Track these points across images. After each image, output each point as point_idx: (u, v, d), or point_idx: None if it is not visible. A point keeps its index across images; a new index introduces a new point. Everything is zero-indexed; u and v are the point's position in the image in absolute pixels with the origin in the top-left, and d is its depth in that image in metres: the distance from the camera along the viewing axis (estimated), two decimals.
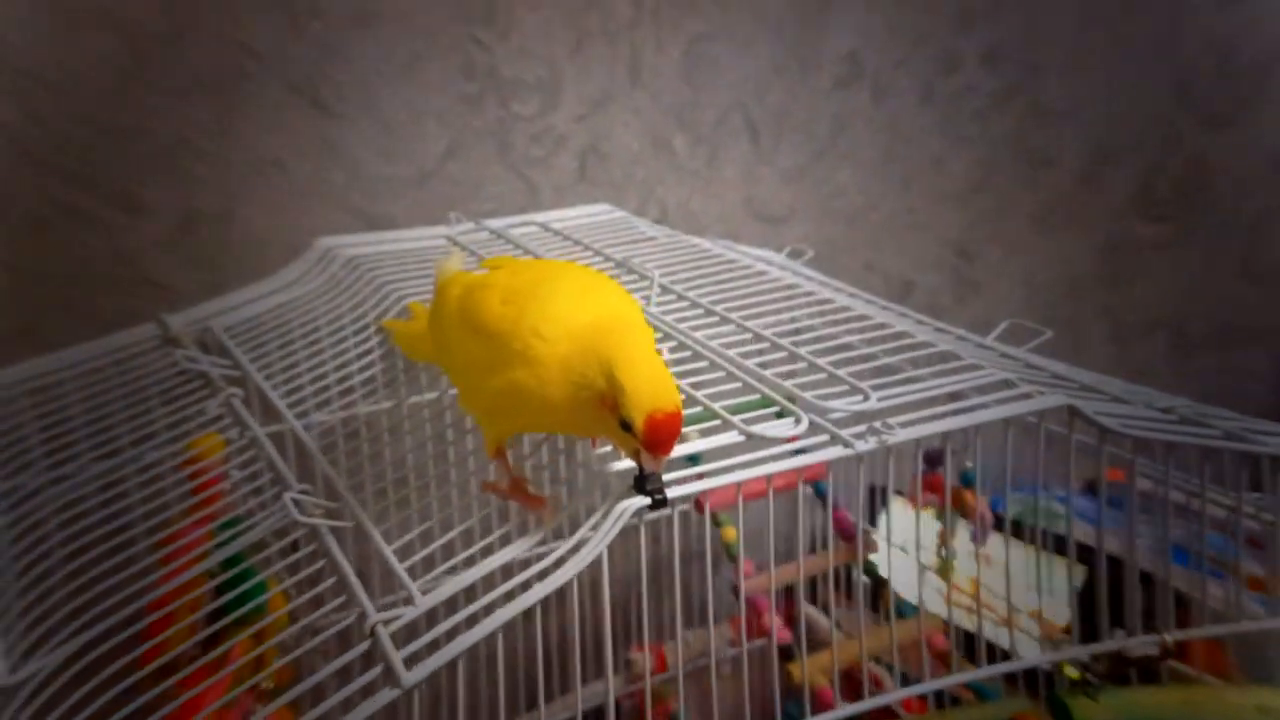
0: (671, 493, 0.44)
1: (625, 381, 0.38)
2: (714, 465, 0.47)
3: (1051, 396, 0.52)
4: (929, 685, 0.55)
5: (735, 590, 0.74)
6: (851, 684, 0.57)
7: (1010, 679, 0.64)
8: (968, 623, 0.61)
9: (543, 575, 0.42)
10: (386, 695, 0.39)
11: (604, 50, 0.94)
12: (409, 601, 0.42)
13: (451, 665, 0.40)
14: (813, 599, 0.78)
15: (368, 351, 0.64)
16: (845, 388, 0.51)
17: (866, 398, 0.50)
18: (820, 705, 0.54)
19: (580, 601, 0.46)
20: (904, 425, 0.48)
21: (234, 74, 0.78)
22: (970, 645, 0.59)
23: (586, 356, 0.40)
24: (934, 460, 0.68)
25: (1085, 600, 0.61)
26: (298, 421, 0.56)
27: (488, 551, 0.46)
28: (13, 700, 0.44)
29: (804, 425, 0.48)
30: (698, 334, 0.56)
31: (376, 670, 0.40)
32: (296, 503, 0.47)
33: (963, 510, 0.65)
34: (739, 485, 0.47)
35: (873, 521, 0.80)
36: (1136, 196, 1.19)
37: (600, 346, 0.40)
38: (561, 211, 0.83)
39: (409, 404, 0.68)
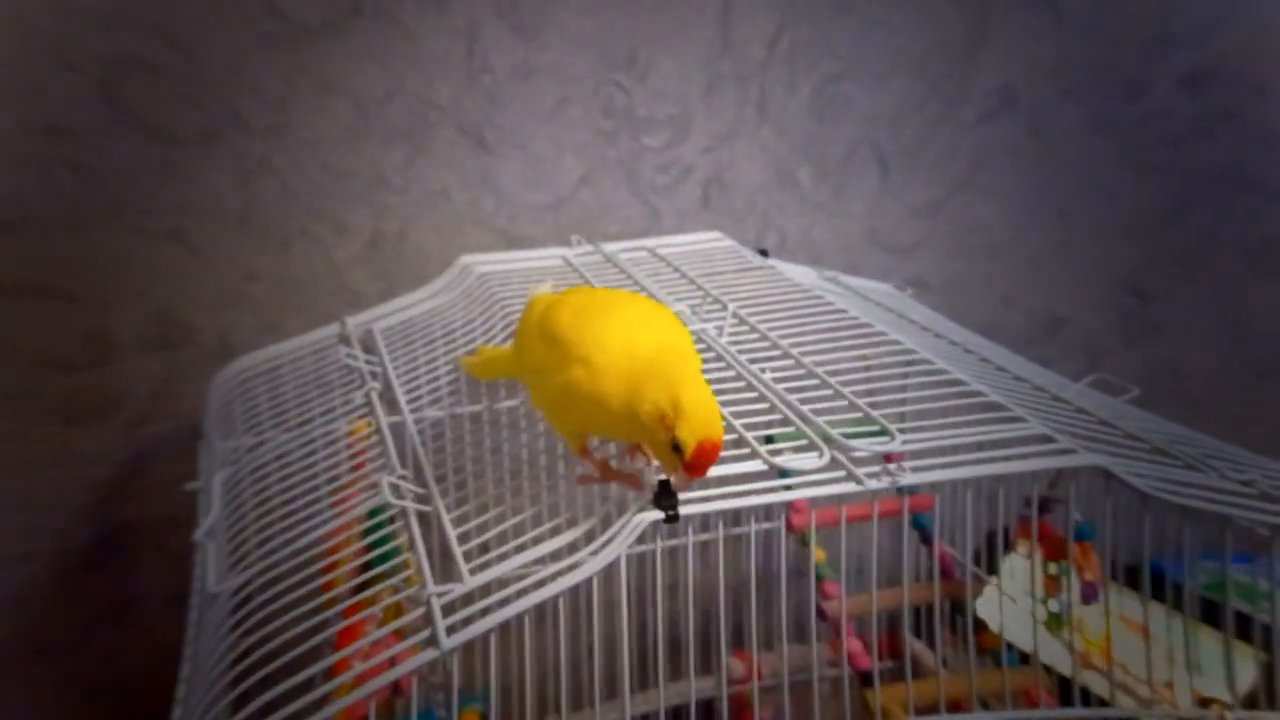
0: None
1: (687, 407, 0.43)
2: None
3: (1084, 455, 0.52)
4: None
5: (820, 612, 0.78)
6: None
7: None
8: (1096, 686, 0.60)
9: (572, 568, 0.48)
10: (430, 654, 0.46)
11: (734, 91, 0.99)
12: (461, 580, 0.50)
13: (485, 637, 0.48)
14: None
15: None
16: (878, 428, 0.54)
17: (892, 438, 0.53)
18: None
19: (627, 602, 0.52)
20: (918, 470, 0.51)
21: (423, 123, 0.92)
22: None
23: (649, 376, 0.45)
24: (1046, 508, 0.67)
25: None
26: (410, 415, 0.66)
27: (536, 541, 0.53)
28: (220, 601, 0.56)
29: (825, 459, 0.51)
30: (754, 365, 0.61)
31: (426, 633, 0.47)
32: (395, 487, 0.56)
33: (1076, 565, 0.64)
34: (841, 508, 0.52)
35: (977, 562, 0.80)
36: None
37: (663, 369, 0.45)
38: (672, 238, 0.88)
39: (491, 409, 0.77)
